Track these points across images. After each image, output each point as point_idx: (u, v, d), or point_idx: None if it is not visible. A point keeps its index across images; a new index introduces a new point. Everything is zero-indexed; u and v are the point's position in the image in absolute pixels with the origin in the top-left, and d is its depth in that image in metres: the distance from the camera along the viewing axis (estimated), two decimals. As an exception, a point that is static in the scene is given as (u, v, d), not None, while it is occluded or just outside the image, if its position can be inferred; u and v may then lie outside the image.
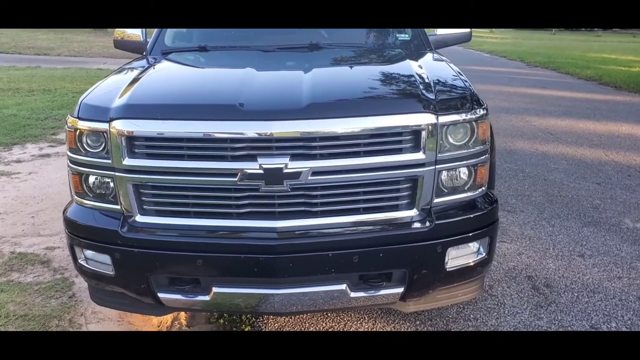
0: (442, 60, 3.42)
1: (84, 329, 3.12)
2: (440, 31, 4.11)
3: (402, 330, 3.19)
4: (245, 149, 2.43)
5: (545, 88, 12.88)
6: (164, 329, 3.32)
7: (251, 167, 2.42)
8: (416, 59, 3.34)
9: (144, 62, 3.42)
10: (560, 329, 3.21)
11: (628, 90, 12.79)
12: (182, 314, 3.43)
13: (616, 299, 3.55)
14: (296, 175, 2.43)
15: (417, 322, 3.27)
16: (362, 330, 3.19)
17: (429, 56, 3.61)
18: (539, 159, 6.76)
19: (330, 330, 3.18)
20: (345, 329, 3.19)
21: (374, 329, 3.19)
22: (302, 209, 2.53)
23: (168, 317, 3.39)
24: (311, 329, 3.20)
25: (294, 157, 2.43)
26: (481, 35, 30.72)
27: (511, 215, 4.91)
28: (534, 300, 3.51)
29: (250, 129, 2.42)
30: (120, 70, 3.26)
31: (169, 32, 3.94)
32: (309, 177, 2.44)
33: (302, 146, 2.44)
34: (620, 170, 6.37)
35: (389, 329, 3.19)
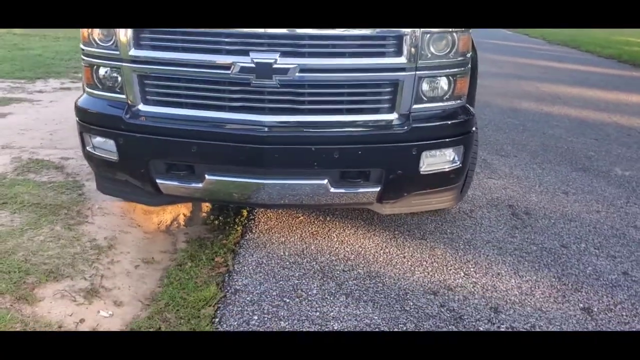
0: None
1: (89, 220, 3.40)
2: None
3: (381, 238, 3.43)
4: (239, 43, 2.67)
5: (561, 62, 12.84)
6: (163, 228, 3.60)
7: (244, 60, 2.66)
8: None
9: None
10: (532, 246, 3.42)
11: (646, 68, 12.71)
12: (181, 214, 3.72)
13: (590, 226, 3.75)
14: (285, 71, 2.66)
15: (396, 233, 3.50)
16: (344, 235, 3.43)
17: None
18: (541, 117, 6.90)
19: (314, 234, 3.43)
20: (328, 234, 3.44)
21: (356, 235, 3.43)
22: (290, 106, 2.77)
23: (167, 217, 3.68)
24: (297, 231, 3.45)
25: (284, 54, 2.66)
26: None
27: (503, 159, 5.09)
28: (511, 223, 3.72)
29: (244, 24, 2.65)
30: None
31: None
32: (297, 74, 2.67)
33: (291, 44, 2.67)
34: (621, 130, 6.49)
35: (369, 235, 3.43)
